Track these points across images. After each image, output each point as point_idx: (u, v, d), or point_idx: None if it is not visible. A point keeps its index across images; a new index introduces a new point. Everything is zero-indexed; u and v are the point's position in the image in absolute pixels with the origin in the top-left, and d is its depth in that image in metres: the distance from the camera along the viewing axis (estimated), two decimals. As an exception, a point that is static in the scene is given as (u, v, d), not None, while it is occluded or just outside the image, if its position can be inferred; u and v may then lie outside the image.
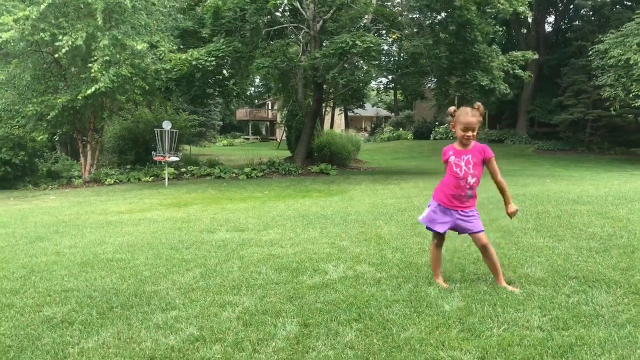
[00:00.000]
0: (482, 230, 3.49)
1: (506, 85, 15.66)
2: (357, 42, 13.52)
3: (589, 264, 3.99)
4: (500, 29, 18.07)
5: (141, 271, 4.29)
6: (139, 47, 12.84)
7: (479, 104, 3.45)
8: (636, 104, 17.74)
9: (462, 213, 3.47)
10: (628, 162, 20.11)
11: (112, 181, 14.64)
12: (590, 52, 19.45)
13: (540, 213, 6.40)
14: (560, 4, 30.70)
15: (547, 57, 27.53)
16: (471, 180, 3.43)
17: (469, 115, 3.35)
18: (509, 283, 3.51)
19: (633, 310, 2.98)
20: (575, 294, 3.27)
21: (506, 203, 3.59)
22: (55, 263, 4.73)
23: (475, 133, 3.40)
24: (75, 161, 17.56)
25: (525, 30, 30.78)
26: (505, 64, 16.21)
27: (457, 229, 3.55)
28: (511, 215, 3.60)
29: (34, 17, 11.95)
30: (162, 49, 14.35)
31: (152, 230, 6.42)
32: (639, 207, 6.84)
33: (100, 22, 12.52)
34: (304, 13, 16.38)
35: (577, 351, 2.47)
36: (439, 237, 3.64)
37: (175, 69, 14.59)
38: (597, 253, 4.32)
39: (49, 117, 13.69)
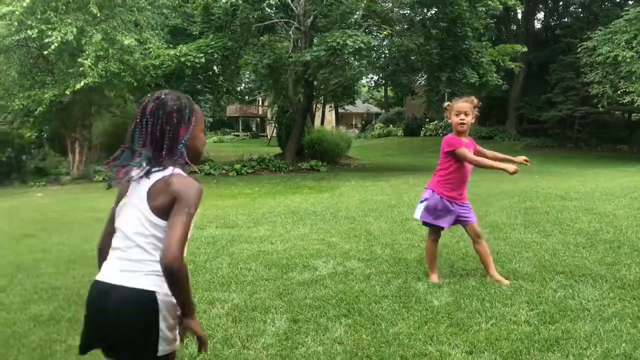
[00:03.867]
0: (476, 222, 3.59)
1: (498, 76, 15.74)
2: (348, 41, 13.48)
3: (575, 259, 4.03)
4: (492, 21, 18.14)
5: (130, 268, 4.26)
6: (126, 42, 12.70)
7: (472, 97, 3.57)
8: (624, 101, 17.90)
9: (462, 204, 3.55)
10: (615, 158, 20.31)
11: (101, 178, 14.51)
12: (579, 49, 19.57)
13: (529, 209, 6.45)
14: (549, 1, 30.88)
15: (536, 53, 27.65)
16: (470, 173, 3.58)
17: (461, 101, 3.52)
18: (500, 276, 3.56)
19: (618, 304, 3.01)
20: (562, 289, 3.30)
21: (509, 160, 3.62)
22: (42, 260, 4.69)
23: (469, 118, 3.48)
24: (64, 158, 17.36)
25: (514, 27, 30.94)
26: (495, 55, 16.31)
27: (458, 220, 3.57)
28: (526, 161, 3.63)
29: (19, 12, 11.77)
30: (151, 45, 14.22)
31: (141, 227, 6.37)
32: (625, 203, 6.91)
33: (95, 12, 12.34)
34: (294, 9, 16.32)
35: (564, 345, 2.50)
36: (437, 232, 3.66)
37: (164, 65, 14.47)
38: (583, 248, 4.37)
39: (36, 112, 13.53)
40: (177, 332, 1.58)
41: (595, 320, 2.78)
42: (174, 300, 1.51)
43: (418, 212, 3.62)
